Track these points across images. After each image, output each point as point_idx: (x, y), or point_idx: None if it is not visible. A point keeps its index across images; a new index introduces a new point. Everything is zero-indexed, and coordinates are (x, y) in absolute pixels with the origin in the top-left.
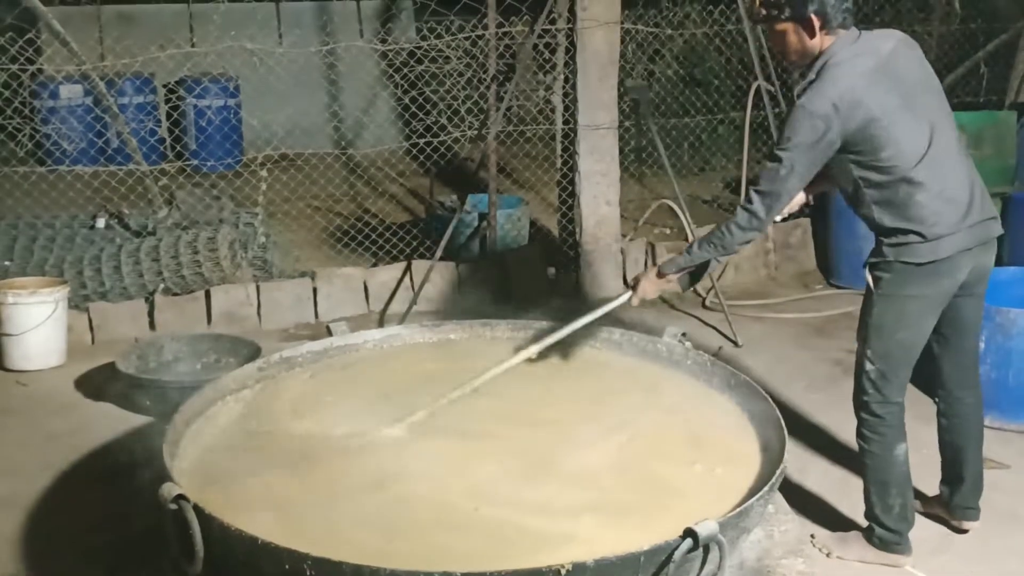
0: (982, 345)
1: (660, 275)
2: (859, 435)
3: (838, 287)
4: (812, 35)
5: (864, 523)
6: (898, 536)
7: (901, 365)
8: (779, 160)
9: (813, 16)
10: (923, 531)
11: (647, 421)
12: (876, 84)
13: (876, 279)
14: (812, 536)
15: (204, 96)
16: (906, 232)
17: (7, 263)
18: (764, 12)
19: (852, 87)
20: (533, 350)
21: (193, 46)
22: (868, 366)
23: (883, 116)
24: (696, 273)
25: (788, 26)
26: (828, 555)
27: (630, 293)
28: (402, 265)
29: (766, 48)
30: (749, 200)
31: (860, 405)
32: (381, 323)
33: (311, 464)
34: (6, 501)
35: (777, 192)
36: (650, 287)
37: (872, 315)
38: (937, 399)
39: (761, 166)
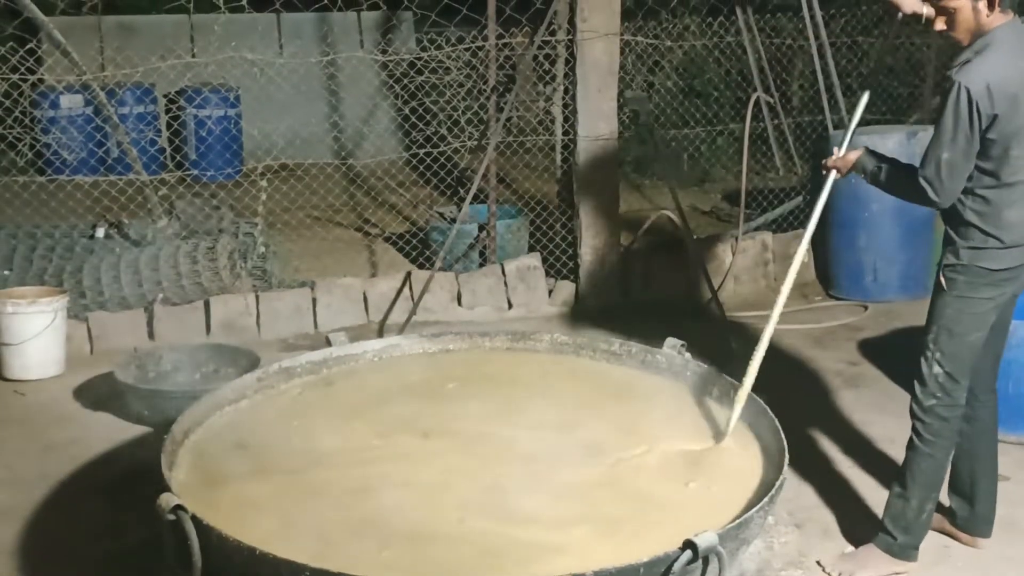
0: None
1: (855, 164)
2: (920, 440)
3: (837, 298)
4: (991, 10)
5: (860, 540)
6: (916, 543)
7: (968, 367)
8: (933, 140)
9: None
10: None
11: (645, 432)
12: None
13: (950, 281)
14: (818, 563)
15: (204, 106)
16: (986, 235)
17: (6, 272)
18: None
19: (1009, 78)
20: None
21: (194, 56)
22: (937, 369)
23: (1022, 114)
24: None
25: (965, 2)
26: None
27: (835, 173)
28: (402, 275)
29: (765, 60)
30: (924, 178)
31: (926, 410)
32: (380, 333)
33: (305, 474)
34: (4, 511)
35: (941, 174)
36: (847, 163)
37: (945, 316)
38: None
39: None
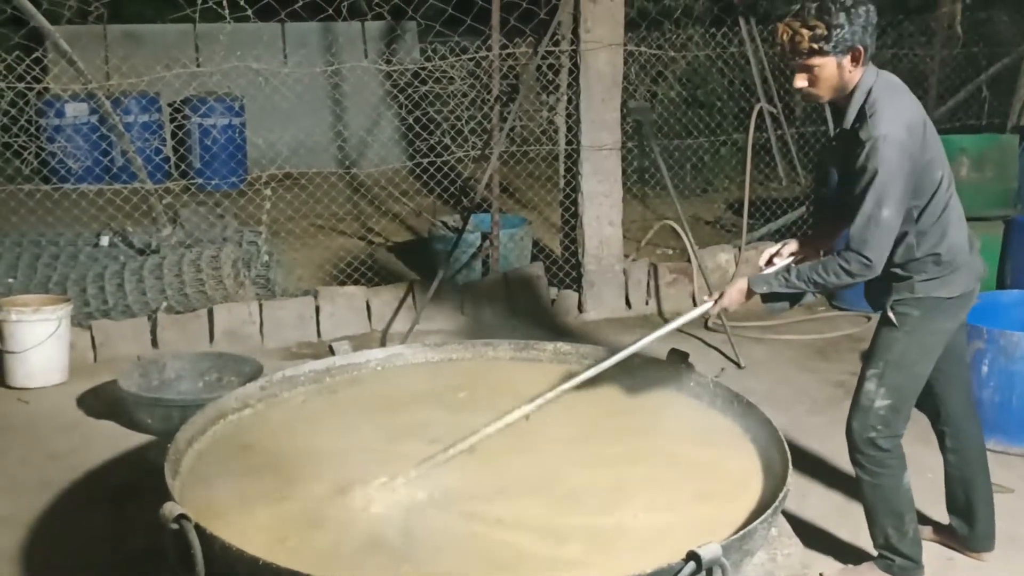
0: (985, 369)
1: (748, 291)
2: (864, 471)
3: (840, 309)
4: (856, 66)
5: (862, 551)
6: (915, 562)
7: (912, 398)
8: (867, 200)
9: (860, 47)
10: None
11: (647, 444)
12: (919, 111)
13: (902, 316)
14: (821, 575)
15: (209, 115)
16: (940, 264)
17: (11, 280)
18: (812, 47)
19: (912, 111)
20: (590, 374)
21: (199, 65)
22: (879, 403)
23: (934, 137)
24: (793, 297)
25: (830, 60)
26: None
27: (711, 303)
28: (405, 284)
29: (768, 70)
30: (862, 249)
31: (865, 442)
32: (383, 342)
33: (311, 483)
34: (7, 519)
35: (877, 233)
36: (735, 299)
37: (893, 351)
38: (943, 435)
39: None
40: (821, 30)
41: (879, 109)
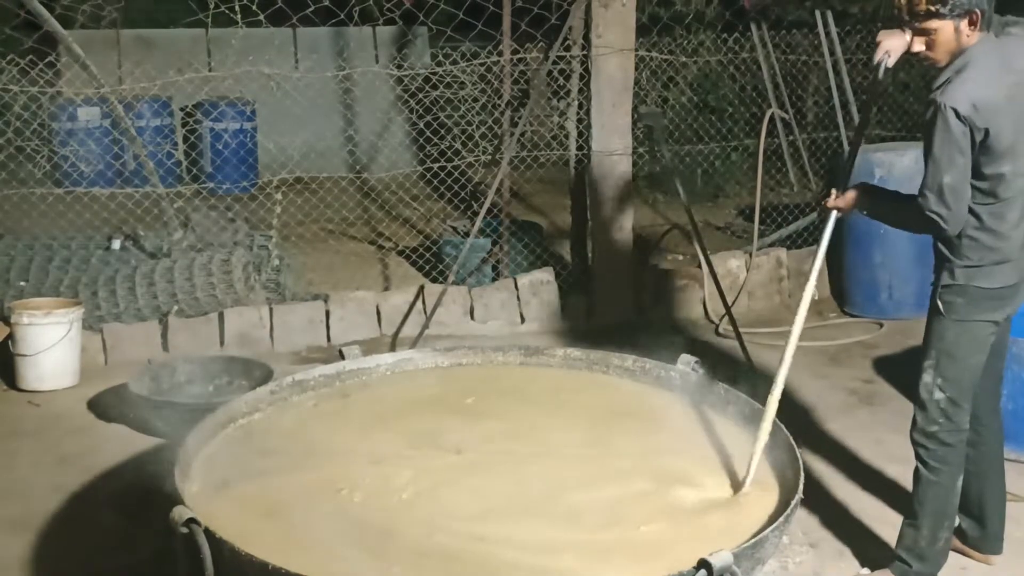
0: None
1: (858, 200)
2: (925, 467)
3: (852, 315)
4: (973, 30)
5: (874, 559)
6: (933, 572)
7: (970, 391)
8: (928, 168)
9: (977, 10)
10: None
11: (658, 449)
12: (1011, 96)
13: (948, 304)
14: None
15: (221, 120)
16: (983, 252)
17: (22, 283)
18: (929, 9)
19: (993, 91)
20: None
21: (211, 70)
22: (939, 394)
23: (1012, 130)
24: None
25: (947, 23)
26: None
27: (836, 213)
28: (414, 289)
29: (779, 76)
30: (929, 207)
31: (928, 436)
32: (393, 347)
33: (317, 488)
34: (17, 522)
35: (943, 197)
36: (850, 201)
37: (945, 341)
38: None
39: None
40: None
41: (960, 79)
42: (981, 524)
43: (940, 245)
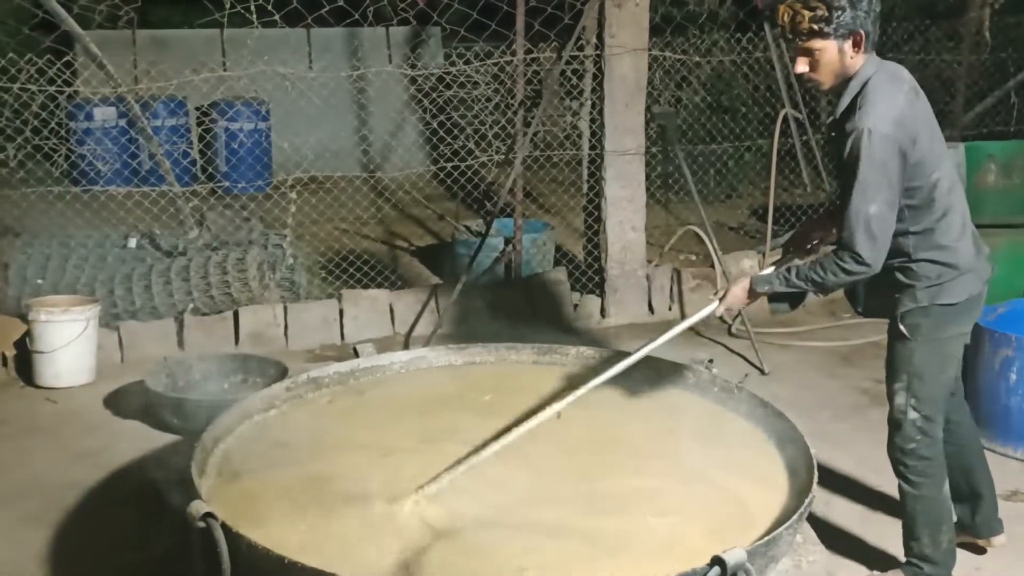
0: (1014, 377)
1: (751, 290)
2: (907, 482)
3: (865, 316)
4: (857, 52)
5: (888, 557)
6: (948, 571)
7: (942, 404)
8: (854, 196)
9: (862, 31)
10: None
11: (668, 448)
12: (917, 108)
13: (913, 327)
14: None
15: (236, 119)
16: (941, 269)
17: (40, 281)
18: (812, 27)
19: (905, 106)
20: (611, 373)
21: (225, 70)
22: (913, 414)
23: (929, 138)
24: (795, 298)
25: (831, 43)
26: None
27: (716, 303)
28: (428, 288)
29: (793, 76)
30: (850, 243)
31: (907, 453)
32: (406, 345)
33: (334, 483)
34: (34, 518)
35: (867, 230)
36: (738, 299)
37: (914, 363)
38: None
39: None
40: (822, 11)
41: (869, 101)
42: (974, 511)
43: (896, 272)
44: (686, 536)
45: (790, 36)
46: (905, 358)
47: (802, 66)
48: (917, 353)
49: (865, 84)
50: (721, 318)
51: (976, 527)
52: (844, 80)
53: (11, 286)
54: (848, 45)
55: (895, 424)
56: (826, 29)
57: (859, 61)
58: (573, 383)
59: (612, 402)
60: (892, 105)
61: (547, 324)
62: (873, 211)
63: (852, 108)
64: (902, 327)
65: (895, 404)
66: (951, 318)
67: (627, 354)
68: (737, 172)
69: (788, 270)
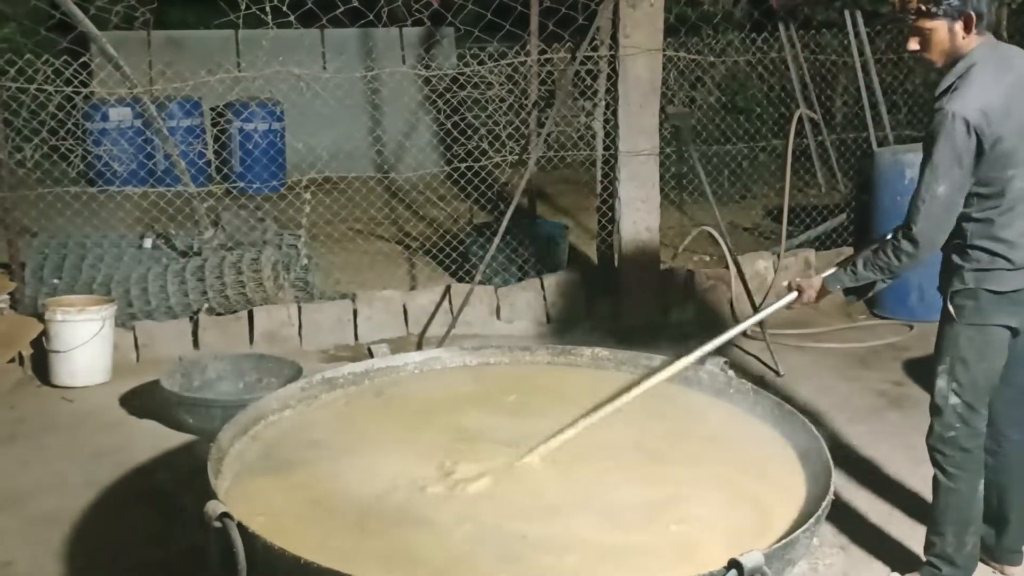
0: None
1: (822, 290)
2: (944, 474)
3: (881, 317)
4: (967, 33)
5: (906, 560)
6: (966, 575)
7: (986, 395)
8: (925, 174)
9: (972, 13)
10: None
11: (684, 451)
12: (1010, 96)
13: (959, 308)
14: None
15: (250, 120)
16: (993, 256)
17: (56, 281)
18: (921, 7)
19: (1001, 95)
20: (694, 357)
21: (240, 71)
22: (954, 399)
23: (1017, 134)
24: (863, 289)
25: (941, 23)
26: None
27: (794, 295)
28: (441, 288)
29: (808, 76)
30: (910, 223)
31: (946, 442)
32: (420, 346)
33: (357, 483)
34: (51, 516)
35: (933, 209)
36: (815, 295)
37: (958, 346)
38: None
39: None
40: None
41: (965, 84)
42: (998, 534)
43: (952, 254)
44: (700, 540)
45: (899, 13)
46: (951, 340)
47: (913, 44)
48: (962, 336)
49: (970, 68)
50: (735, 318)
51: (995, 551)
52: (954, 60)
53: (28, 286)
54: (959, 26)
55: (935, 410)
56: (934, 9)
57: (971, 42)
58: (596, 385)
59: (630, 403)
60: (985, 93)
61: (560, 324)
62: (940, 192)
63: (949, 89)
64: (950, 307)
65: (936, 388)
66: (997, 306)
67: (674, 356)
68: (752, 173)
69: (854, 264)
